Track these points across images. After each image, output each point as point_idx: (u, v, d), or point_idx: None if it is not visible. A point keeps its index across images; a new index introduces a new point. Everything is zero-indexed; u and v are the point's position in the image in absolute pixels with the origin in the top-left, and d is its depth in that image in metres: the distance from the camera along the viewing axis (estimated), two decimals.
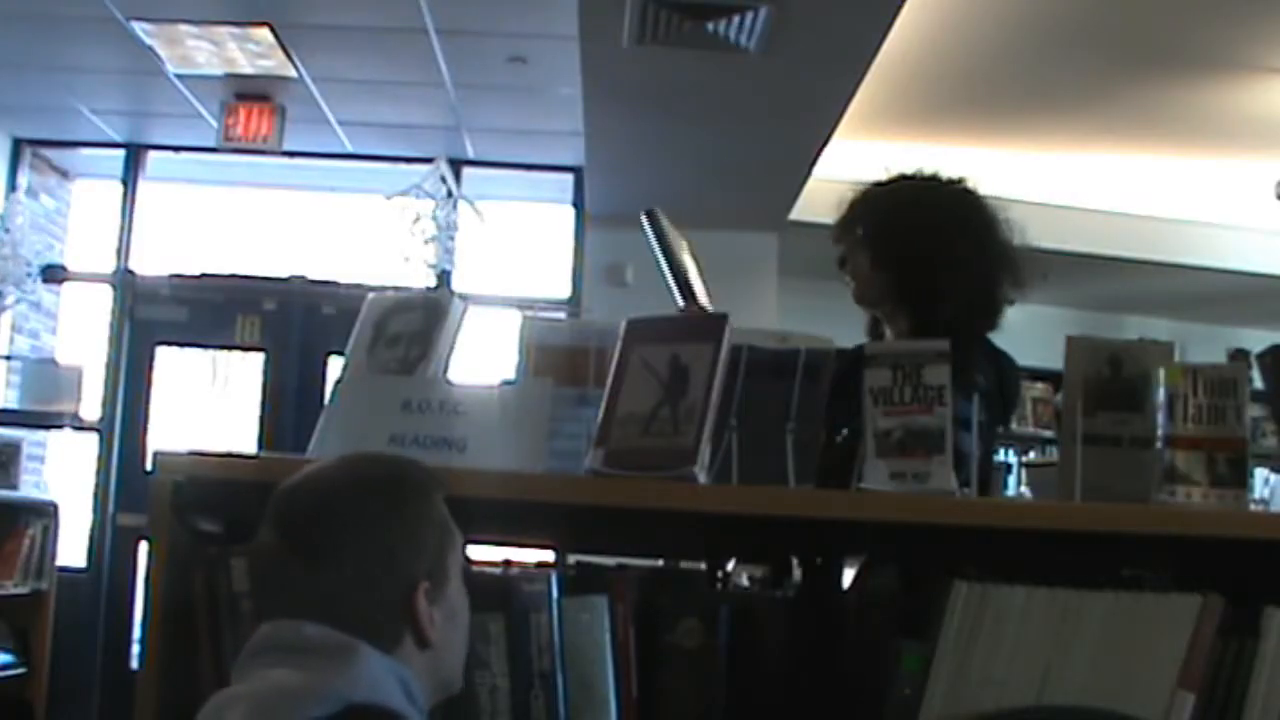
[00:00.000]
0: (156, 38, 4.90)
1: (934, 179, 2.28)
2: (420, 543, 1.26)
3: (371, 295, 1.71)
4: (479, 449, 1.48)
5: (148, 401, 5.99)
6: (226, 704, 1.18)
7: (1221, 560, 1.42)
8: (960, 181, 2.26)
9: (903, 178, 2.29)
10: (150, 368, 6.01)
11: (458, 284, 5.96)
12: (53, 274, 6.18)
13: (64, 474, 6.18)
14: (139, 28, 4.80)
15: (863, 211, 2.25)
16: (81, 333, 6.40)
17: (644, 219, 1.90)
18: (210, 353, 6.13)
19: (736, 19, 3.80)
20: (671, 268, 1.92)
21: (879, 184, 2.29)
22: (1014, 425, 6.97)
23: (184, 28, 4.81)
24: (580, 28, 3.97)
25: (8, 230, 5.77)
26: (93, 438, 5.96)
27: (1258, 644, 1.29)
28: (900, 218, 2.20)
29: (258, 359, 6.05)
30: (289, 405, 5.86)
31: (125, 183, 6.28)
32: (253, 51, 5.00)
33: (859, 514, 1.42)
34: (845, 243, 2.26)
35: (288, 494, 1.28)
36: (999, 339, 2.22)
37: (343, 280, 6.07)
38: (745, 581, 2.05)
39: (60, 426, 5.92)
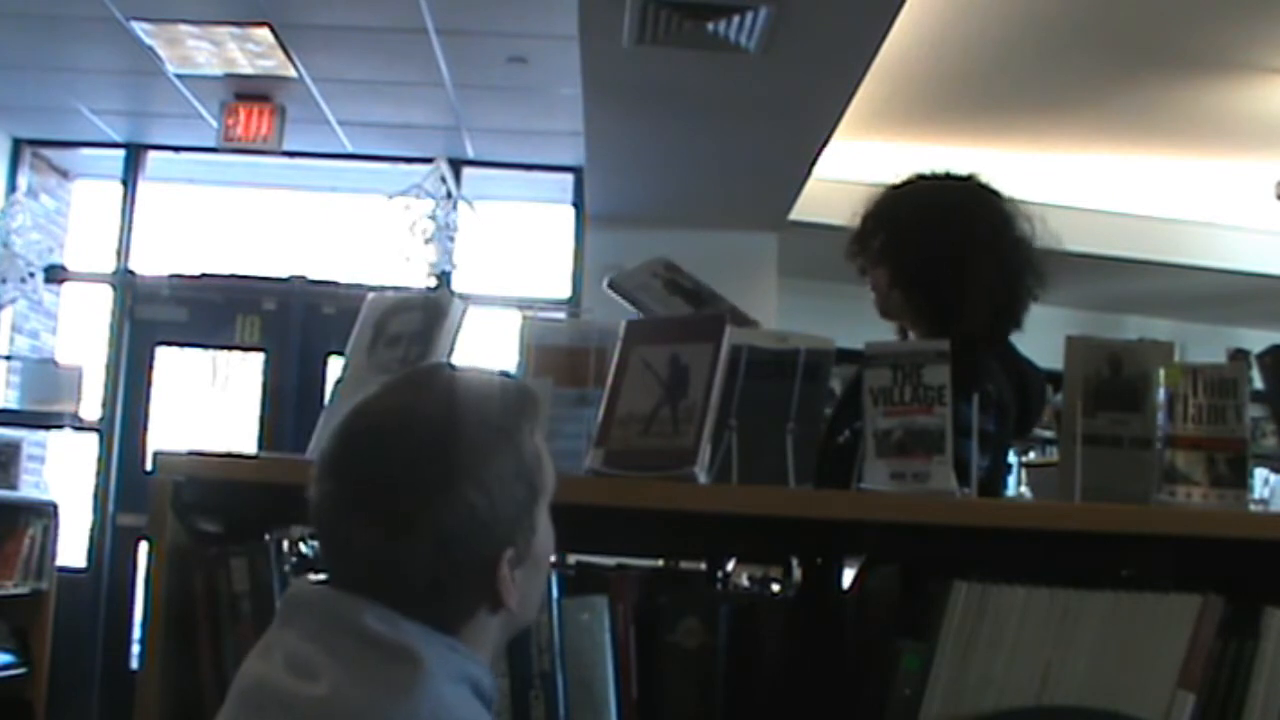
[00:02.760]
0: (156, 38, 4.90)
1: (946, 179, 2.20)
2: (508, 504, 1.11)
3: (371, 295, 1.71)
4: None
5: (148, 401, 5.99)
6: (263, 703, 1.09)
7: (1221, 560, 1.41)
8: (971, 179, 2.19)
9: (919, 178, 2.21)
10: (150, 368, 6.02)
11: (458, 284, 5.96)
12: (53, 274, 6.18)
13: (64, 474, 6.19)
14: (139, 28, 4.80)
15: (875, 226, 2.18)
16: (81, 333, 6.41)
17: (609, 290, 1.86)
18: (210, 353, 6.14)
19: (736, 19, 3.80)
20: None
21: (892, 189, 2.21)
22: None
23: (184, 28, 4.81)
24: (580, 28, 3.97)
25: (8, 230, 5.77)
26: (93, 438, 5.96)
27: (1258, 644, 1.29)
28: (914, 234, 2.12)
29: (258, 359, 6.05)
30: (289, 405, 5.86)
31: (125, 183, 6.28)
32: (253, 51, 5.00)
33: (859, 514, 1.42)
34: (863, 258, 2.20)
35: (352, 434, 1.13)
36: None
37: (343, 280, 6.07)
38: (745, 581, 2.05)
39: (60, 426, 5.92)
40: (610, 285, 1.83)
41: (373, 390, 1.18)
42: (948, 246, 2.08)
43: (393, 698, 1.05)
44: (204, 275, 6.12)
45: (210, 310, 6.05)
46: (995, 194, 2.17)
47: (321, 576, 1.43)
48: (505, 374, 1.28)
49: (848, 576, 1.58)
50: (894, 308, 2.17)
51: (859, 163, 5.51)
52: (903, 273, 2.13)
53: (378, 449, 1.12)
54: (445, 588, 1.10)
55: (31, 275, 5.88)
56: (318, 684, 1.06)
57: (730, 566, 1.89)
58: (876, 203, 2.20)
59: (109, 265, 6.21)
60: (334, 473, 1.13)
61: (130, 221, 6.28)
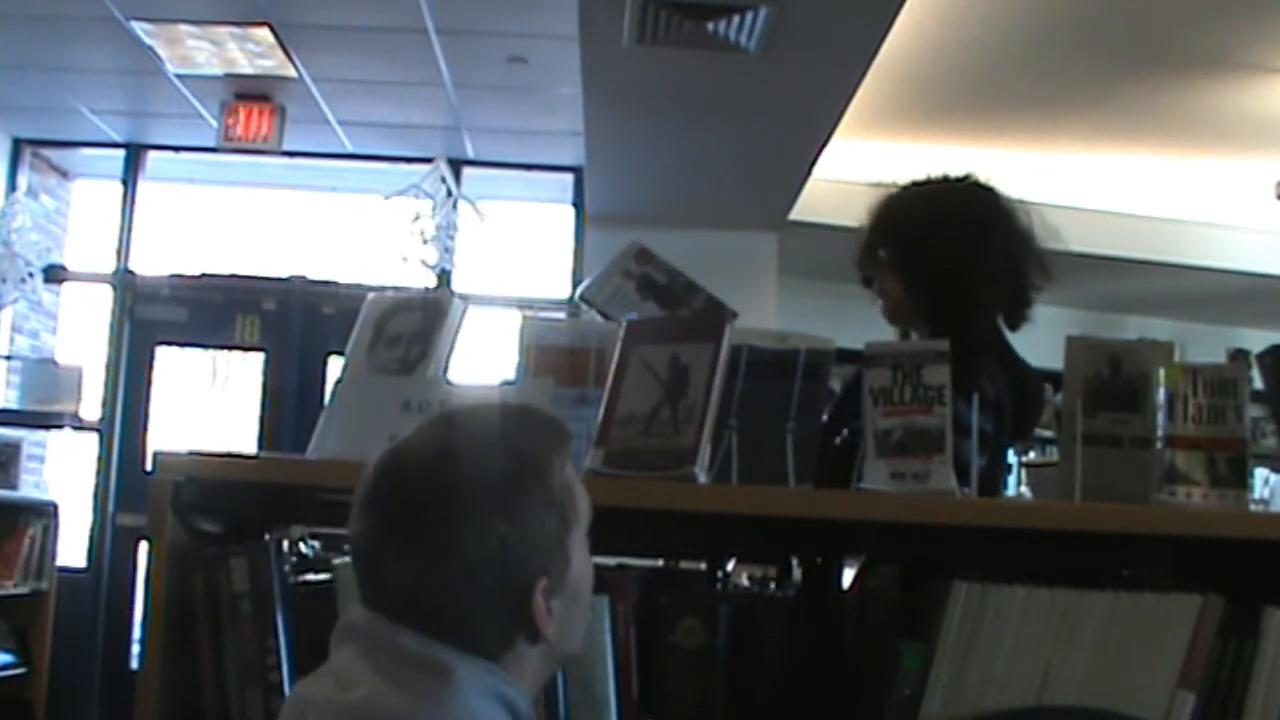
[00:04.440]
0: (156, 38, 4.90)
1: (944, 181, 2.22)
2: (539, 535, 1.13)
3: (371, 295, 1.71)
4: None
5: (148, 401, 5.99)
6: (304, 712, 1.12)
7: (1221, 560, 1.41)
8: (968, 178, 2.21)
9: (917, 183, 2.23)
10: (150, 368, 6.02)
11: (458, 284, 5.96)
12: (53, 274, 6.18)
13: (64, 474, 6.19)
14: (139, 28, 4.80)
15: (883, 235, 2.19)
16: (81, 333, 6.41)
17: (581, 304, 1.86)
18: (210, 353, 6.13)
19: (736, 19, 3.79)
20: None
21: (893, 195, 2.23)
22: None
23: (184, 28, 4.81)
24: (580, 28, 3.97)
25: (8, 230, 5.77)
26: (93, 438, 5.96)
27: (1258, 644, 1.29)
28: (925, 239, 2.14)
29: (258, 359, 6.05)
30: (289, 405, 5.86)
31: (125, 183, 6.28)
32: (253, 51, 5.00)
33: (859, 514, 1.42)
34: (871, 267, 2.22)
35: (386, 470, 1.16)
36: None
37: (343, 280, 6.07)
38: (745, 581, 2.05)
39: (60, 426, 5.92)
40: (583, 299, 1.82)
41: (410, 431, 1.20)
42: (959, 250, 2.10)
43: (427, 704, 1.08)
44: (204, 275, 6.12)
45: (210, 310, 6.05)
46: (993, 191, 2.20)
47: (323, 577, 1.44)
48: (537, 408, 1.29)
49: (848, 576, 1.58)
50: (905, 314, 2.18)
51: (859, 163, 5.51)
52: (915, 279, 2.14)
53: (409, 484, 1.15)
54: (478, 618, 1.12)
55: (31, 275, 5.88)
56: (356, 691, 1.10)
57: (730, 566, 1.89)
58: (880, 211, 2.22)
59: (109, 265, 6.21)
60: (369, 508, 1.15)
61: (130, 221, 6.27)
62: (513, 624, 1.14)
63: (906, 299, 2.15)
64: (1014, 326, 2.17)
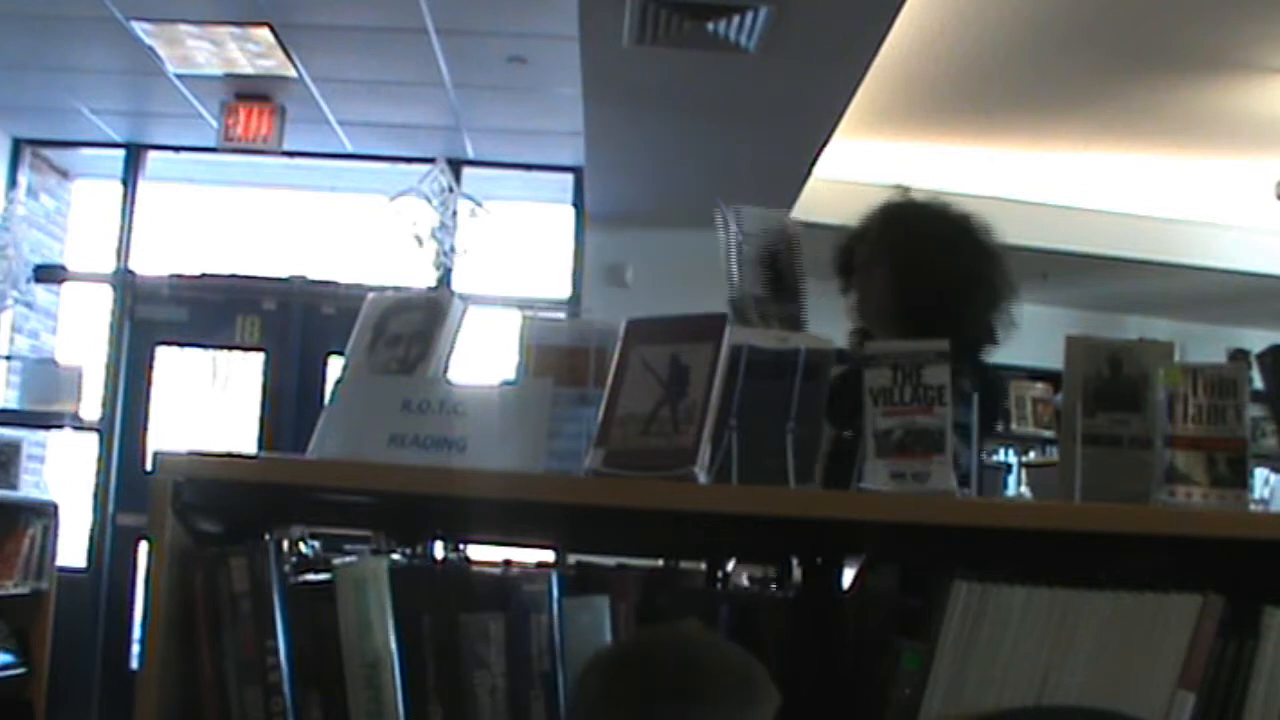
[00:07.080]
0: (156, 38, 4.90)
1: (946, 210, 2.31)
2: None
3: (371, 295, 1.71)
4: (479, 449, 1.47)
5: (148, 401, 6.00)
6: None
7: (1221, 560, 1.41)
8: (954, 205, 2.31)
9: (919, 200, 2.33)
10: (150, 368, 6.02)
11: (458, 284, 5.96)
12: (53, 274, 6.18)
13: (64, 474, 6.19)
14: (139, 28, 4.80)
15: (894, 238, 2.27)
16: (81, 333, 6.41)
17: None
18: (210, 353, 6.14)
19: (736, 19, 3.80)
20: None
21: (905, 206, 2.32)
22: (1014, 425, 7.01)
23: (184, 28, 4.82)
24: (580, 28, 3.97)
25: (8, 230, 5.77)
26: (93, 438, 5.96)
27: (1258, 644, 1.29)
28: (944, 252, 2.22)
29: (258, 359, 6.06)
30: (289, 405, 5.86)
31: (125, 183, 6.28)
32: (253, 51, 5.00)
33: (859, 514, 1.42)
34: (859, 263, 2.29)
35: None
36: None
37: (343, 280, 6.07)
38: (745, 581, 2.05)
39: (60, 426, 5.92)
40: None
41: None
42: (973, 267, 2.20)
43: None
44: (204, 275, 6.13)
45: (210, 310, 6.05)
46: (984, 227, 2.29)
47: (323, 577, 1.44)
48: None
49: (848, 576, 1.58)
50: (884, 315, 2.25)
51: (859, 163, 5.51)
52: (912, 285, 2.21)
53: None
54: None
55: (27, 275, 5.88)
56: None
57: (730, 566, 1.89)
58: (891, 216, 2.30)
59: (109, 265, 6.21)
60: None
61: (130, 221, 6.28)
62: None
63: (892, 303, 2.22)
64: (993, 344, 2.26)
